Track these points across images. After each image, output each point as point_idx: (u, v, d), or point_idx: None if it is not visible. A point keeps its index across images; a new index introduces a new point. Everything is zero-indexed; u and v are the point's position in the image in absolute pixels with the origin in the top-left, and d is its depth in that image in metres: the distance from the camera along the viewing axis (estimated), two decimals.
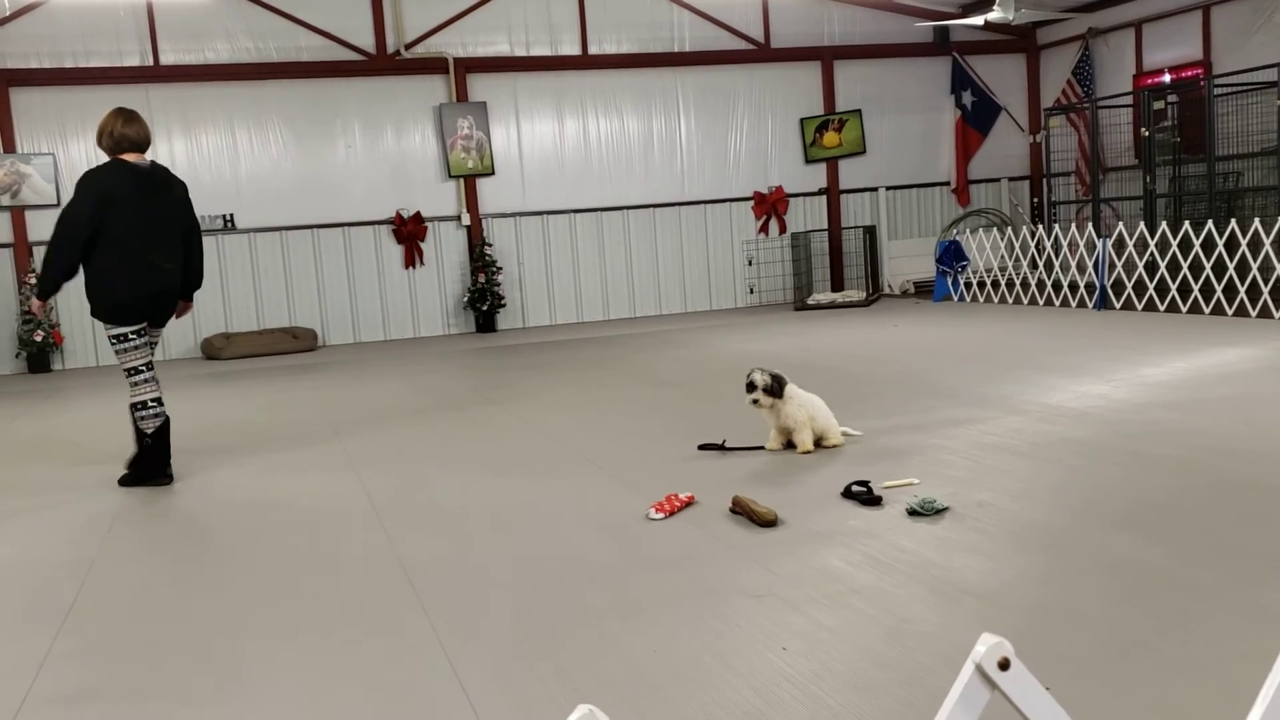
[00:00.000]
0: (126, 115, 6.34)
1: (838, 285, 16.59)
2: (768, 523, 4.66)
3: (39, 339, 13.38)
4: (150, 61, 13.98)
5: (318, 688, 3.28)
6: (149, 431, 6.30)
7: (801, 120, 16.42)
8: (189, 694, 3.30)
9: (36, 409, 10.20)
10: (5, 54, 13.54)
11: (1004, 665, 1.25)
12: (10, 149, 13.59)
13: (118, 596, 4.33)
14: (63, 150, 13.80)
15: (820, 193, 16.63)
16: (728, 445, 6.28)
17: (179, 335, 14.23)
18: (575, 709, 1.15)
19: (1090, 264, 12.68)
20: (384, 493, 5.78)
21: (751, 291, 16.37)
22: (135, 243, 6.18)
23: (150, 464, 6.37)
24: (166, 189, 6.39)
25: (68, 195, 13.79)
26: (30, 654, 3.71)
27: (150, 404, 6.31)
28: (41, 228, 13.71)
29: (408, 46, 14.79)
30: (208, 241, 14.22)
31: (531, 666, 3.33)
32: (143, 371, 6.30)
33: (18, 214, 13.65)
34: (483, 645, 3.53)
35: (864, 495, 4.94)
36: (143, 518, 5.64)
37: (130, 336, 6.25)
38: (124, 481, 6.38)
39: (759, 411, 6.15)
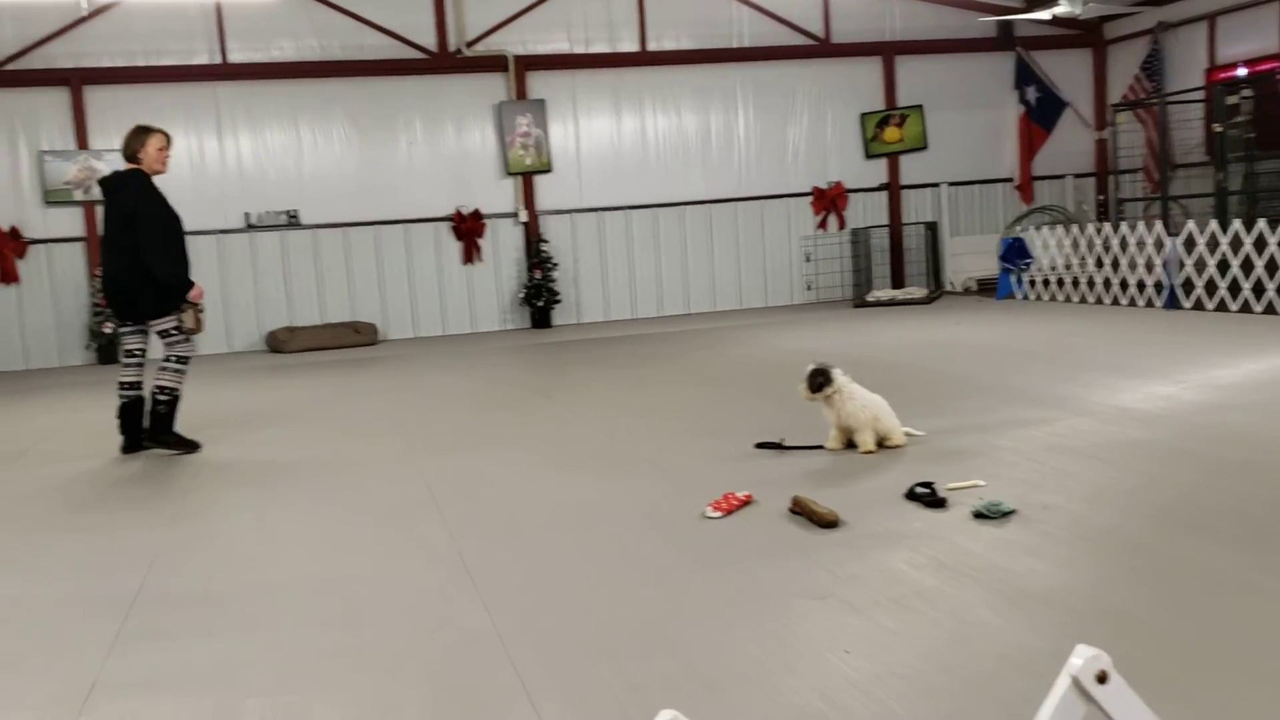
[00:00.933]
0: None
1: (898, 282, 16.43)
2: (829, 524, 4.62)
3: (108, 330, 13.62)
4: (218, 60, 14.18)
5: (379, 683, 3.31)
6: (118, 405, 7.27)
7: (862, 115, 16.29)
8: (255, 681, 3.34)
9: (106, 399, 10.38)
10: (81, 53, 13.81)
11: (1102, 678, 1.21)
12: (84, 146, 13.86)
13: (184, 583, 4.39)
14: None
15: (881, 188, 16.49)
16: (786, 444, 6.23)
17: (244, 329, 14.45)
18: (660, 714, 1.14)
19: (1159, 263, 12.45)
20: (444, 486, 5.82)
21: (809, 288, 16.27)
22: (104, 243, 7.32)
23: (125, 433, 7.26)
24: (116, 190, 7.19)
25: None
26: (100, 639, 3.78)
27: (122, 384, 7.26)
28: None
29: (469, 44, 14.87)
30: (271, 238, 14.43)
31: (591, 664, 3.33)
32: (124, 358, 7.35)
33: (90, 209, 13.91)
34: (542, 642, 3.54)
35: (928, 497, 4.89)
36: (205, 512, 5.73)
37: (120, 325, 7.45)
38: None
39: (818, 407, 6.12)
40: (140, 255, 7.02)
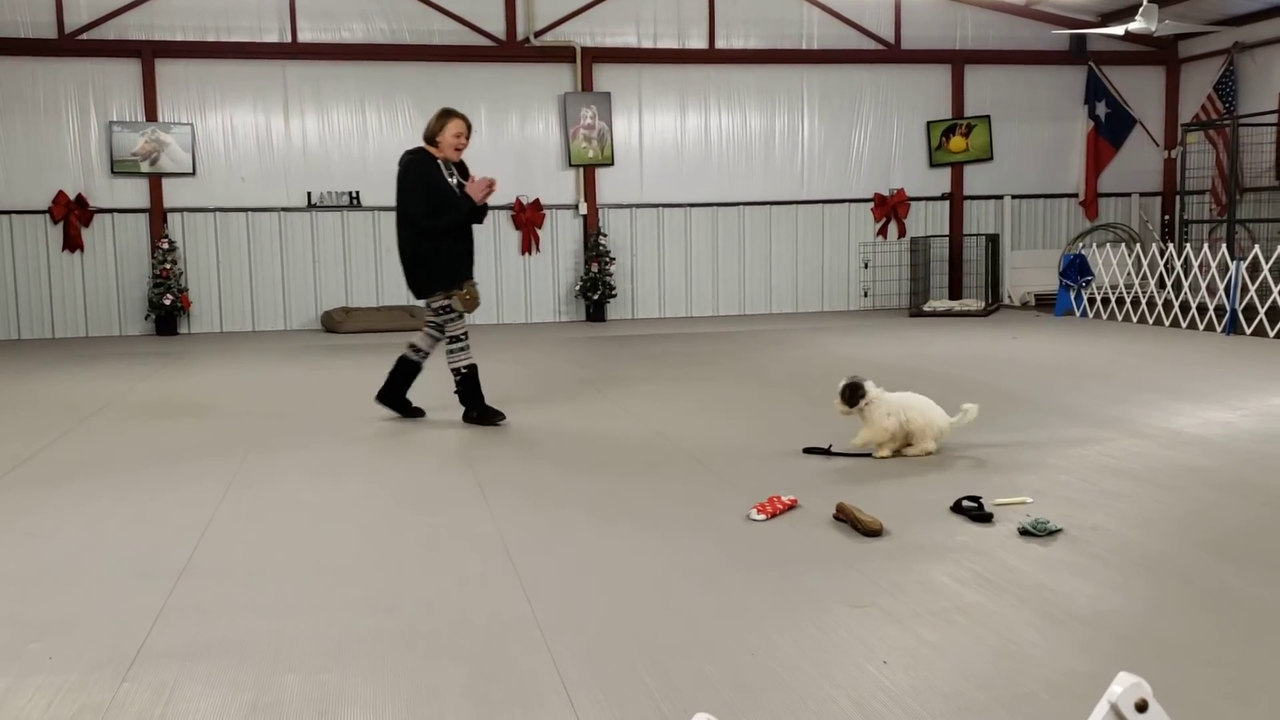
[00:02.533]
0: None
1: (955, 293, 16.28)
2: (873, 532, 4.59)
3: (168, 302, 13.84)
4: (288, 39, 14.34)
5: (416, 667, 3.33)
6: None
7: (928, 123, 16.15)
8: (294, 658, 3.38)
9: (165, 370, 10.56)
10: (153, 26, 14.02)
11: (1141, 707, 1.20)
12: (152, 118, 14.07)
13: (231, 555, 4.45)
14: (200, 121, 14.25)
15: (943, 198, 16.35)
16: (834, 450, 6.21)
17: (302, 307, 14.61)
18: (695, 717, 1.14)
19: (1221, 286, 12.24)
20: (491, 476, 5.85)
21: (866, 295, 16.17)
22: None
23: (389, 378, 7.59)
24: (399, 163, 7.34)
25: (203, 165, 14.44)
26: (147, 608, 3.84)
27: (409, 343, 7.58)
28: (177, 195, 14.21)
29: (537, 34, 14.92)
30: (332, 217, 14.58)
31: (628, 659, 3.33)
32: (424, 325, 7.54)
33: (155, 181, 14.14)
34: (581, 634, 3.55)
35: (974, 511, 4.84)
36: (259, 483, 5.80)
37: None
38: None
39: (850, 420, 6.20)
40: (402, 229, 7.25)
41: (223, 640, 3.55)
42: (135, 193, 14.19)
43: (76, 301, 14.11)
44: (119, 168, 14.04)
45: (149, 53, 13.98)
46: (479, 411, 7.37)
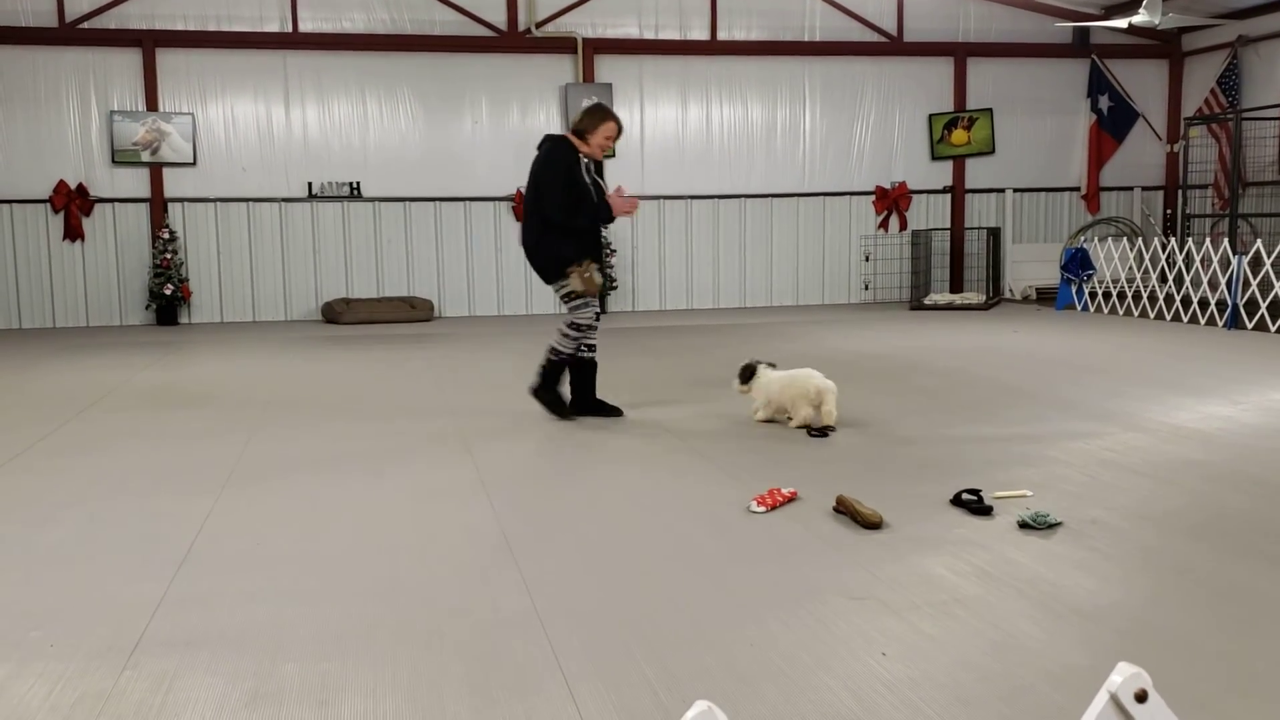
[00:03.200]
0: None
1: (956, 287, 16.27)
2: (872, 524, 4.60)
3: (168, 292, 13.84)
4: (289, 28, 14.32)
5: (415, 656, 3.34)
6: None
7: (930, 116, 16.13)
8: (294, 648, 3.39)
9: (164, 360, 10.56)
10: (154, 15, 14.00)
11: (1141, 697, 1.20)
12: (153, 108, 14.06)
13: (232, 545, 4.46)
14: (201, 111, 14.23)
15: (945, 191, 16.33)
16: (818, 431, 6.51)
17: (302, 298, 14.60)
18: (694, 705, 1.14)
19: (1223, 281, 12.24)
20: (491, 469, 5.86)
21: (866, 288, 16.17)
22: None
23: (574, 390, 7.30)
24: (538, 148, 7.15)
25: (204, 154, 14.43)
26: (148, 596, 3.85)
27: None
28: (178, 185, 14.20)
29: (538, 25, 14.89)
30: (333, 208, 14.57)
31: (627, 650, 3.34)
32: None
33: (156, 170, 14.13)
34: (580, 625, 3.55)
35: (974, 504, 4.85)
36: (259, 473, 5.81)
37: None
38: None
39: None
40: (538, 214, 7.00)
41: (223, 629, 3.56)
42: (136, 182, 14.18)
43: (77, 291, 14.11)
44: (120, 157, 14.03)
45: (150, 42, 13.96)
46: (551, 396, 7.15)
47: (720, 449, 6.20)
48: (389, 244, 14.82)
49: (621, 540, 4.51)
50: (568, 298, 7.08)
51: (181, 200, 14.26)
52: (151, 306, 14.08)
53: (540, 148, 7.10)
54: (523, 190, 14.75)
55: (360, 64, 14.57)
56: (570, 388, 7.23)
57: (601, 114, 7.04)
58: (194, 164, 14.23)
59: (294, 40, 14.33)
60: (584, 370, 7.22)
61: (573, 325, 7.06)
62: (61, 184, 13.88)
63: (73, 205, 13.91)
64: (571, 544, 4.48)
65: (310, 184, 14.53)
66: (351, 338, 12.38)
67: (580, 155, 7.00)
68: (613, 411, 7.23)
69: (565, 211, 6.89)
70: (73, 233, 13.96)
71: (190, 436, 6.79)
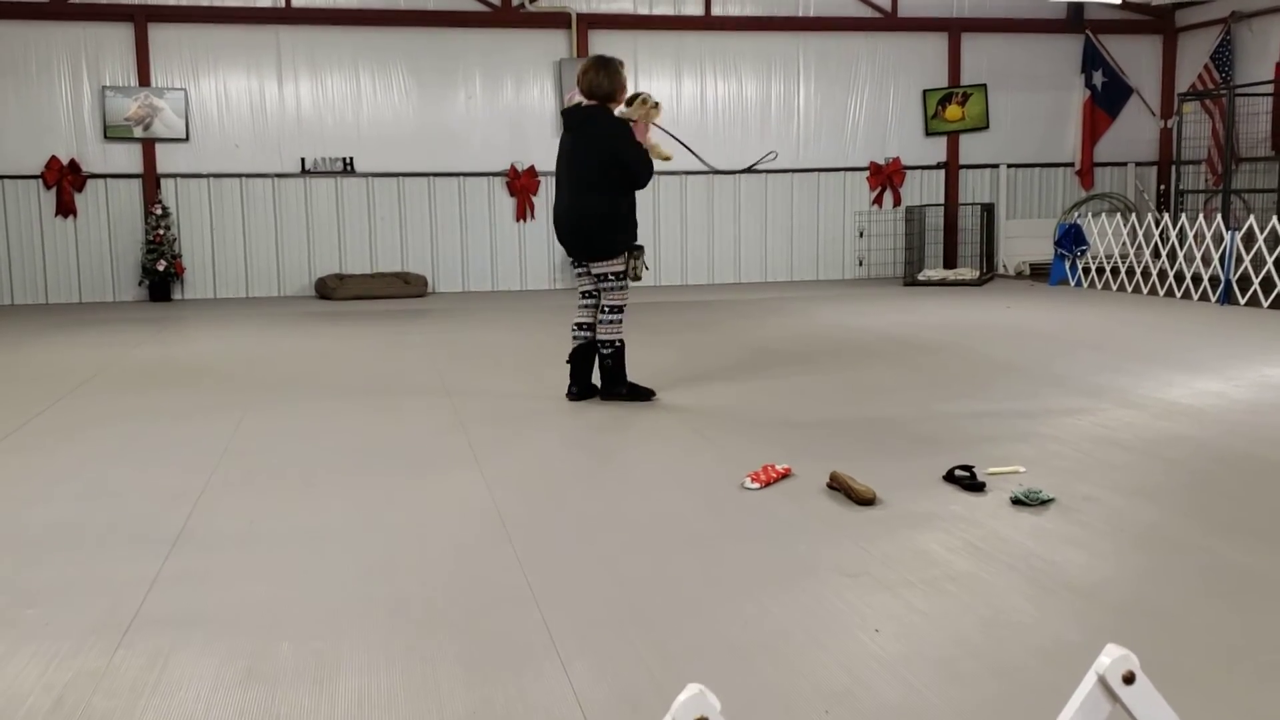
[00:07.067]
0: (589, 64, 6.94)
1: (950, 262, 16.27)
2: (866, 501, 4.61)
3: (161, 268, 13.80)
4: (282, 3, 14.22)
5: (410, 635, 3.35)
6: (570, 349, 7.09)
7: (924, 92, 16.08)
8: (289, 626, 3.40)
9: (158, 336, 10.54)
10: None
11: (1129, 679, 1.21)
12: (145, 83, 13.97)
13: (226, 522, 4.46)
14: (194, 86, 14.14)
15: (939, 167, 16.30)
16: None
17: (295, 274, 14.57)
18: (686, 688, 1.15)
19: (1216, 256, 12.24)
20: (486, 445, 5.86)
21: (860, 264, 16.16)
22: (558, 179, 7.02)
23: (573, 377, 7.07)
24: (582, 125, 6.87)
25: (197, 130, 14.35)
26: (142, 574, 3.86)
27: (573, 327, 7.09)
28: (171, 161, 14.14)
29: (532, 0, 14.81)
30: (326, 184, 14.51)
31: (622, 628, 3.35)
32: (579, 299, 7.12)
33: (148, 146, 14.05)
34: (575, 603, 3.57)
35: (967, 480, 4.86)
36: (253, 450, 5.81)
37: (573, 264, 7.14)
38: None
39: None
40: (594, 196, 6.80)
41: (217, 607, 3.56)
42: (128, 158, 14.10)
43: (70, 267, 14.07)
44: (112, 133, 13.95)
45: (142, 17, 13.86)
46: (628, 388, 6.97)
47: (714, 424, 6.21)
48: (383, 220, 14.77)
49: (615, 517, 4.52)
50: (615, 277, 6.90)
51: (174, 176, 14.19)
52: (144, 283, 14.04)
53: (584, 122, 6.86)
54: (516, 165, 14.87)
55: (354, 39, 14.48)
56: (573, 373, 7.07)
57: (614, 65, 6.89)
58: (187, 140, 14.16)
59: (287, 15, 14.24)
60: (589, 354, 7.09)
61: (612, 309, 6.93)
62: (54, 160, 13.81)
63: (65, 181, 13.84)
64: (566, 521, 4.49)
65: (303, 160, 14.46)
66: (345, 313, 12.36)
67: None
68: (593, 390, 7.16)
69: (650, 166, 6.87)
70: (65, 209, 13.90)
71: (184, 413, 6.78)
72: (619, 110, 6.95)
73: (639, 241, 7.07)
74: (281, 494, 4.97)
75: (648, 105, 7.04)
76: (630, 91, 7.06)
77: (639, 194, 7.04)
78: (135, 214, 14.13)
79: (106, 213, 14.09)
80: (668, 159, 7.12)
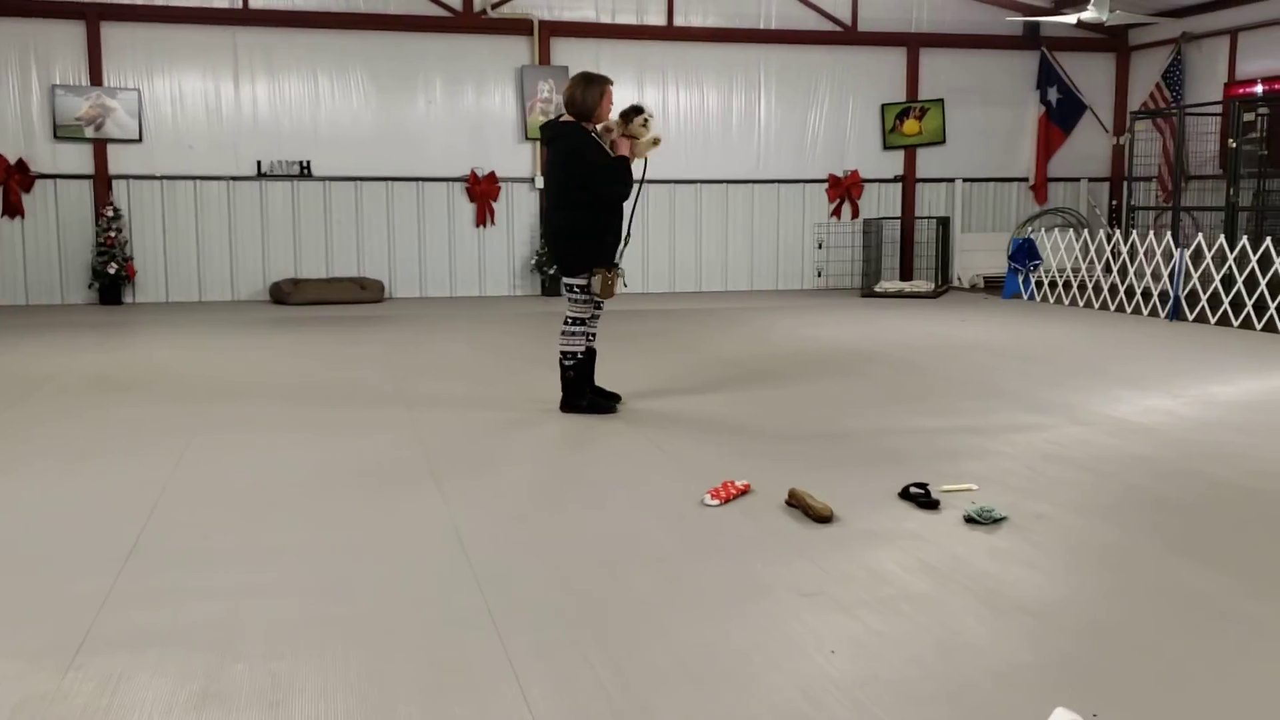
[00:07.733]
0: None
1: (906, 275, 16.41)
2: (823, 518, 4.64)
3: (112, 271, 13.62)
4: (240, 4, 14.09)
5: (366, 656, 3.32)
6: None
7: (883, 106, 16.22)
8: (244, 646, 3.36)
9: (107, 343, 10.40)
10: None
11: None
12: (98, 82, 13.79)
13: (180, 538, 4.41)
14: (148, 86, 13.97)
15: (896, 180, 16.44)
16: None
17: (249, 278, 14.43)
18: None
19: (1165, 272, 12.44)
20: (444, 462, 5.83)
21: (819, 275, 16.26)
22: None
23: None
24: (553, 141, 6.86)
25: (150, 131, 14.18)
26: (93, 593, 3.80)
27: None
28: (123, 162, 13.95)
29: (494, 6, 14.78)
30: (282, 187, 14.39)
31: (580, 649, 3.35)
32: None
33: (100, 146, 13.86)
34: (533, 623, 3.56)
35: (922, 498, 4.91)
36: (207, 463, 5.74)
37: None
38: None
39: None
40: (570, 213, 6.80)
41: (171, 627, 3.52)
42: (79, 158, 13.90)
43: (16, 269, 13.83)
44: (62, 132, 13.75)
45: (94, 15, 13.68)
46: (588, 401, 6.97)
47: (674, 438, 6.22)
48: (339, 224, 14.67)
49: (575, 535, 4.52)
50: (579, 290, 6.90)
51: (126, 177, 14.01)
52: (94, 285, 13.84)
53: (556, 138, 6.79)
54: (477, 170, 14.81)
55: (312, 41, 14.38)
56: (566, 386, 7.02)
57: (597, 82, 6.73)
58: (140, 140, 13.99)
59: (244, 16, 14.11)
60: (587, 363, 7.06)
61: (572, 320, 6.92)
62: (0, 159, 13.59)
63: (12, 181, 13.62)
64: (524, 538, 4.48)
65: (259, 162, 14.33)
66: (300, 319, 12.26)
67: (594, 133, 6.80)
68: (611, 400, 7.16)
69: (621, 182, 6.75)
70: (12, 209, 13.68)
71: (136, 424, 6.69)
72: (610, 120, 6.84)
73: (617, 260, 7.02)
74: (235, 512, 4.91)
75: (634, 125, 6.82)
76: (631, 104, 6.95)
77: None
78: (85, 215, 13.94)
79: (55, 214, 13.88)
80: (656, 143, 6.94)
